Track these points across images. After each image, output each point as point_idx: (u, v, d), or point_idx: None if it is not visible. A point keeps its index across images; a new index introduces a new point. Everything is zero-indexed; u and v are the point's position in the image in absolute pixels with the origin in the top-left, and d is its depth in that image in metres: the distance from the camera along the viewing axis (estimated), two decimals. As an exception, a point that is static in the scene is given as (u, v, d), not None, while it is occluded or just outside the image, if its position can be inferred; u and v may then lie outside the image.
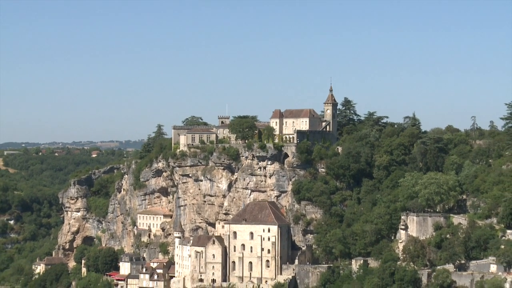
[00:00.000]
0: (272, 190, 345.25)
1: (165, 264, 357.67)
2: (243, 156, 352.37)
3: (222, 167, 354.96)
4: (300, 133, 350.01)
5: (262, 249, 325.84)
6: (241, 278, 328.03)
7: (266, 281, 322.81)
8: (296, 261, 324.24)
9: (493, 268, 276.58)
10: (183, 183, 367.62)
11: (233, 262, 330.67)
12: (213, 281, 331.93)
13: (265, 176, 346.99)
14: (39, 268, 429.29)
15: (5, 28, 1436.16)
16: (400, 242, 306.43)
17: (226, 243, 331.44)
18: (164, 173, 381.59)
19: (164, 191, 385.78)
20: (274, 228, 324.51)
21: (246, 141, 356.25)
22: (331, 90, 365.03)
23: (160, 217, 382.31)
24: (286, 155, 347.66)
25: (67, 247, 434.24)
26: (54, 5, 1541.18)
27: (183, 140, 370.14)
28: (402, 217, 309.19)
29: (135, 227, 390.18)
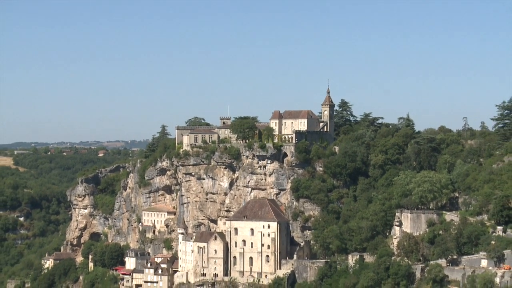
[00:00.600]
0: (271, 188, 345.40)
1: (169, 259, 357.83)
2: (244, 156, 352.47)
3: (224, 166, 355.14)
4: (298, 133, 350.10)
5: (262, 245, 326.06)
6: (242, 273, 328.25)
7: (266, 276, 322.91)
8: (295, 256, 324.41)
9: (484, 263, 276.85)
10: (186, 181, 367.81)
11: (234, 257, 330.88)
12: (215, 275, 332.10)
13: (265, 174, 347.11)
14: (48, 263, 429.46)
15: (14, 29, 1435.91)
16: (395, 238, 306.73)
17: (228, 239, 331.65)
18: (168, 172, 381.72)
19: (168, 189, 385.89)
20: (274, 225, 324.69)
21: (247, 141, 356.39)
22: (328, 92, 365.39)
23: (164, 214, 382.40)
24: (285, 155, 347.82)
25: (75, 242, 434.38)
26: (62, 6, 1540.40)
27: (186, 140, 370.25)
28: (396, 214, 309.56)
29: (140, 223, 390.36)
